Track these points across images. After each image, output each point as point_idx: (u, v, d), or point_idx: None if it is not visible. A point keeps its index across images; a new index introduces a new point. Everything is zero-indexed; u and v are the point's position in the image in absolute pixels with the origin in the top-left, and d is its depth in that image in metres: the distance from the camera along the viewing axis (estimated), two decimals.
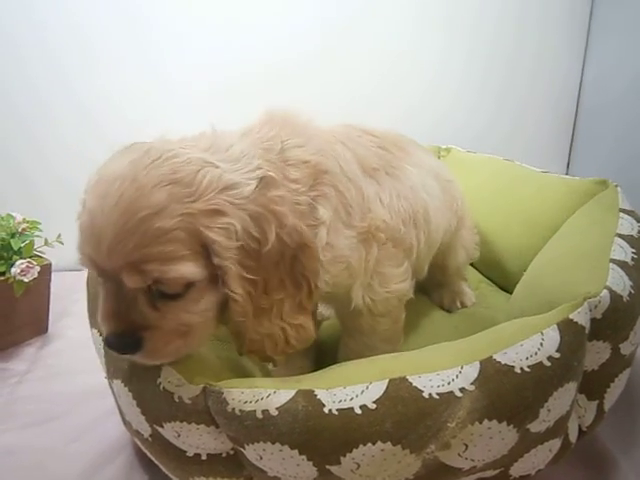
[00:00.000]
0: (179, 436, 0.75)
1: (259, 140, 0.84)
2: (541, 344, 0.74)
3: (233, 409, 0.71)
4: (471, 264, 1.63)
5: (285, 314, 0.78)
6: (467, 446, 0.74)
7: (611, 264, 0.92)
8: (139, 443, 0.85)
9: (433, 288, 1.48)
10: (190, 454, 0.76)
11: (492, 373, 0.72)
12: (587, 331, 0.79)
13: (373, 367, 0.79)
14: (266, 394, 0.72)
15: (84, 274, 1.85)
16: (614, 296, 0.83)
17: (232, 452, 0.76)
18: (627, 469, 0.99)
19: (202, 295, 0.73)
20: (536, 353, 0.73)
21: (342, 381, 0.74)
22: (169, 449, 0.77)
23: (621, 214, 1.13)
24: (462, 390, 0.71)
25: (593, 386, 0.89)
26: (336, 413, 0.69)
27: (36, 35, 1.83)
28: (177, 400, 0.74)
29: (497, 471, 0.82)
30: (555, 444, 0.83)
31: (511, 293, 1.43)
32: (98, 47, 1.88)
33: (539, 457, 0.82)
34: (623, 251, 0.98)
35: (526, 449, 0.79)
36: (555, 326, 0.76)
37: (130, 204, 0.67)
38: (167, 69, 1.93)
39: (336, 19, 1.97)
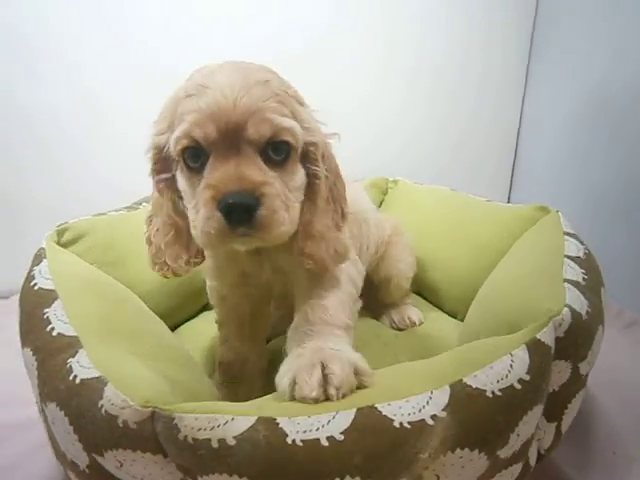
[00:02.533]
0: (121, 466, 0.65)
1: None
2: (511, 366, 0.70)
3: (185, 437, 0.62)
4: (419, 293, 1.63)
5: (330, 225, 0.87)
6: (439, 477, 0.68)
7: (566, 284, 0.90)
8: (73, 477, 0.75)
9: (382, 311, 1.47)
10: None
11: (463, 398, 0.66)
12: (552, 351, 0.76)
13: None
14: (223, 421, 0.63)
15: (10, 302, 1.73)
16: (574, 314, 0.81)
17: None
18: None
19: (295, 168, 0.81)
20: (507, 376, 0.68)
21: (306, 410, 0.66)
22: None
23: (566, 237, 1.13)
24: (434, 417, 0.64)
25: (552, 407, 0.85)
26: (300, 444, 0.61)
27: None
28: (121, 425, 0.64)
29: None
30: (517, 468, 0.79)
31: (460, 320, 1.43)
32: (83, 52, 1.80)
33: None
34: (574, 272, 0.96)
35: (491, 475, 0.74)
36: (524, 346, 0.72)
37: (244, 75, 0.76)
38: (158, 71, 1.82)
39: (299, 52, 1.93)
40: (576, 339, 0.80)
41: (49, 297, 0.90)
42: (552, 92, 2.08)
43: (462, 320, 1.39)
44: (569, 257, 1.02)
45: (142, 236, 1.04)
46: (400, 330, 1.41)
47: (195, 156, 0.77)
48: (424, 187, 1.79)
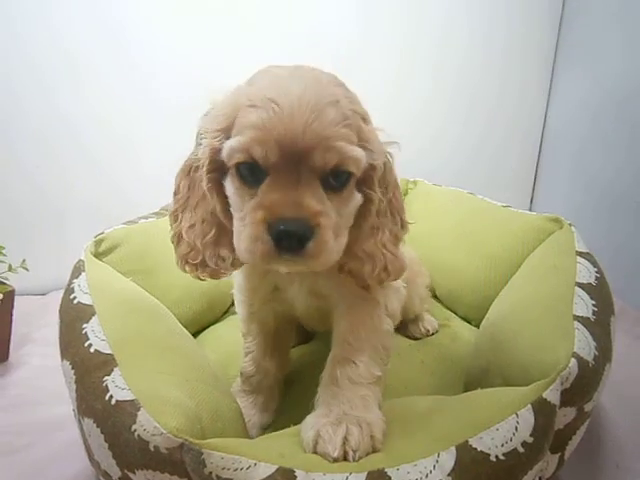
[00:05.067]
0: None
1: None
2: (516, 428, 0.69)
3: (210, 473, 0.65)
4: (436, 298, 1.61)
5: (385, 241, 0.83)
6: None
7: (576, 323, 0.88)
8: None
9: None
10: None
11: (468, 462, 0.66)
12: (557, 408, 0.75)
13: None
14: (246, 465, 0.65)
15: (49, 298, 1.78)
16: (581, 363, 0.79)
17: None
18: None
19: (351, 195, 0.76)
20: (511, 439, 0.68)
21: (323, 466, 0.68)
22: None
23: (578, 258, 1.11)
24: None
25: (556, 442, 0.84)
26: None
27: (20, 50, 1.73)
28: (152, 449, 0.67)
29: None
30: None
31: (474, 325, 1.43)
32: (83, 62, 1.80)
33: None
34: (584, 304, 0.95)
35: None
36: (530, 407, 0.71)
37: (316, 93, 0.70)
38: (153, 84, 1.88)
39: (325, 52, 1.89)
40: (582, 387, 0.79)
41: (87, 312, 0.92)
42: (578, 92, 2.00)
43: (476, 326, 1.40)
44: (580, 285, 1.00)
45: (168, 244, 1.05)
46: (415, 339, 1.38)
47: (249, 170, 0.73)
48: (443, 189, 1.76)
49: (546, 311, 0.95)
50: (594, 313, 0.93)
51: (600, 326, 0.91)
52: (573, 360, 0.79)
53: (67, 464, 1.03)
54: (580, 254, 1.13)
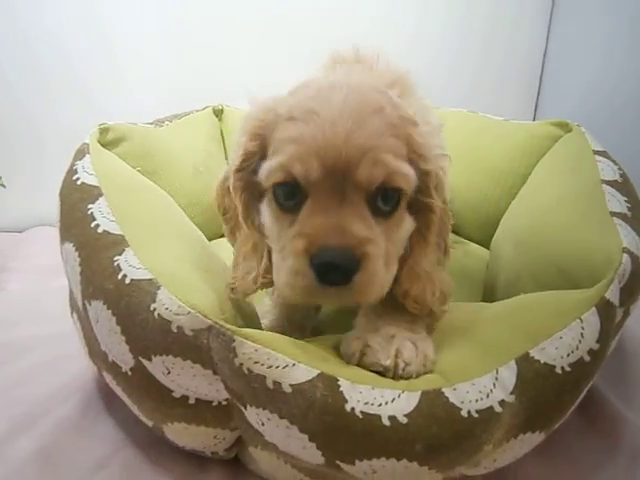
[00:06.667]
0: (169, 373, 0.60)
1: None
2: (582, 335, 0.59)
3: (241, 365, 0.56)
4: None
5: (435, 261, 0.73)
6: (496, 460, 0.61)
7: (615, 219, 0.78)
8: (110, 379, 0.71)
9: None
10: (177, 395, 0.62)
11: (531, 377, 0.57)
12: (618, 309, 0.66)
13: None
14: (283, 364, 0.56)
15: (26, 234, 1.68)
16: (633, 258, 0.70)
17: (225, 403, 0.63)
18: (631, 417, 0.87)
19: (402, 218, 0.67)
20: (577, 347, 0.58)
21: (371, 379, 0.59)
22: (152, 387, 0.62)
23: (597, 157, 1.00)
24: (502, 404, 0.55)
25: None
26: (360, 416, 0.54)
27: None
28: (175, 330, 0.58)
29: None
30: None
31: (483, 245, 1.34)
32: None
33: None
34: (617, 201, 0.85)
35: None
36: (594, 310, 0.61)
37: (358, 102, 0.62)
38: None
39: None
40: (632, 285, 0.69)
41: (93, 193, 0.80)
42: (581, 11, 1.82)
43: (482, 245, 1.32)
44: (607, 182, 0.90)
45: (174, 152, 1.07)
46: None
47: (289, 193, 0.63)
48: (441, 111, 1.58)
49: (579, 211, 0.85)
50: (629, 209, 0.83)
51: (637, 222, 0.81)
52: (625, 256, 0.69)
53: (53, 375, 0.95)
54: (597, 152, 1.02)
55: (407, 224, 0.68)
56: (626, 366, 1.00)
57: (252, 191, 0.70)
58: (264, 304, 0.95)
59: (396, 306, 0.70)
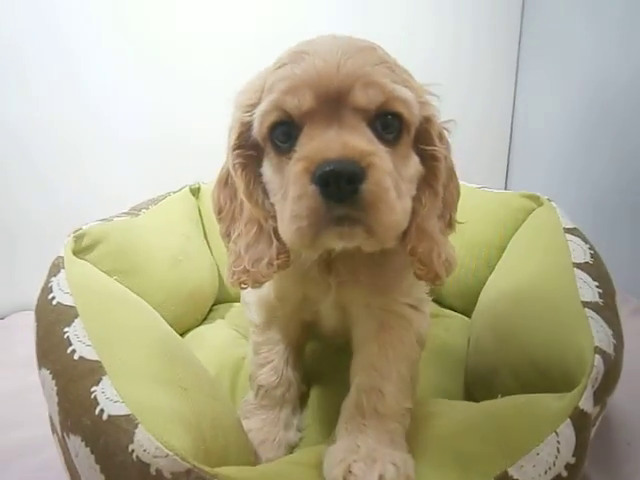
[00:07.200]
0: None
1: None
2: (557, 450, 0.58)
3: None
4: None
5: (440, 227, 0.72)
6: None
7: (587, 310, 0.79)
8: None
9: None
10: None
11: None
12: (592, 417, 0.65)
13: None
14: None
15: (6, 322, 1.55)
16: (605, 358, 0.69)
17: None
18: None
19: (409, 153, 0.65)
20: (554, 464, 0.58)
21: None
22: None
23: (567, 235, 1.02)
24: None
25: None
26: None
27: None
28: (154, 473, 0.56)
29: None
30: None
31: (466, 314, 1.34)
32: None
33: None
34: (589, 287, 0.85)
35: None
36: (569, 422, 0.61)
37: (348, 41, 0.62)
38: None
39: None
40: (607, 384, 0.69)
41: (69, 314, 0.79)
42: (544, 80, 1.92)
43: (465, 314, 1.32)
44: (578, 265, 0.91)
45: (151, 244, 1.02)
46: None
47: (285, 134, 0.62)
48: None
49: (552, 302, 0.85)
50: (600, 295, 0.84)
51: (609, 309, 0.82)
52: (597, 357, 0.68)
53: None
54: (568, 231, 1.03)
55: (414, 162, 0.66)
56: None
57: (253, 168, 0.69)
58: (247, 402, 0.95)
59: (384, 404, 0.71)
